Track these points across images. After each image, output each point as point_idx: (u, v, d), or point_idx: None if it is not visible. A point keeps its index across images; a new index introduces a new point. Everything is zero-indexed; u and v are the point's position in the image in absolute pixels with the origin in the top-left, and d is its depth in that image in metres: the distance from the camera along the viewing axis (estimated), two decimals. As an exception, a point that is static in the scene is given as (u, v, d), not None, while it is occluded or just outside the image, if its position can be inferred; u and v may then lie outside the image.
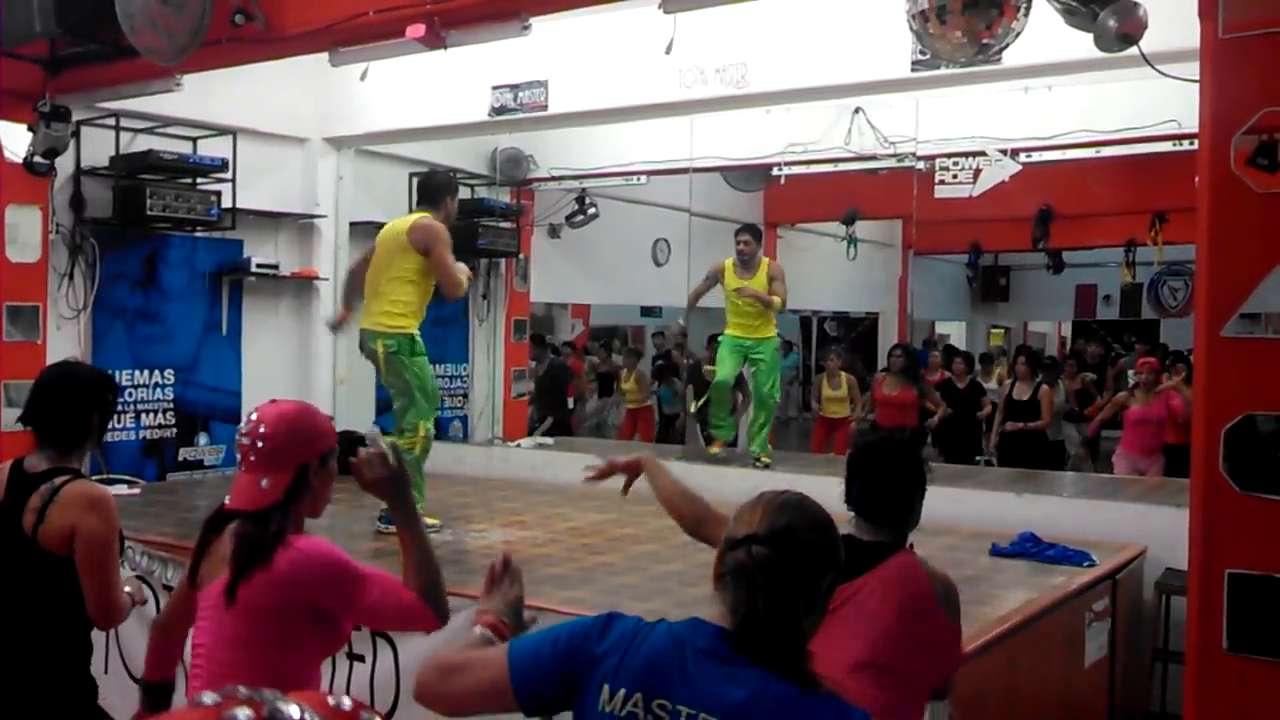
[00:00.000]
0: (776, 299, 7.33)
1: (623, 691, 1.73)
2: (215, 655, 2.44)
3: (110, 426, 6.64)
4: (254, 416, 2.53)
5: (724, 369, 7.53)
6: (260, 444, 2.48)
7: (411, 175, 8.30)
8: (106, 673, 5.14)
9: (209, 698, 0.81)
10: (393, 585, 2.49)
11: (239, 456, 2.53)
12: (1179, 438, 7.66)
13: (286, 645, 2.44)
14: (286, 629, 2.43)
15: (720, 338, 7.71)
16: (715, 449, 7.72)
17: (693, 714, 1.68)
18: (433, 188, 5.82)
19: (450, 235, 5.57)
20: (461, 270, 5.60)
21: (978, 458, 9.30)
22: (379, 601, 2.46)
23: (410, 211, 8.14)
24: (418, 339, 5.55)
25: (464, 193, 8.75)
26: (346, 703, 0.86)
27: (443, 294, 5.60)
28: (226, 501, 2.53)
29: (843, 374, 10.11)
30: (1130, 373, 9.43)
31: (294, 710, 0.80)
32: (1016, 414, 9.11)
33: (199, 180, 6.91)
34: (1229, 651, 3.03)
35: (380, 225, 7.93)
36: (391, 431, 5.60)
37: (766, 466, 7.14)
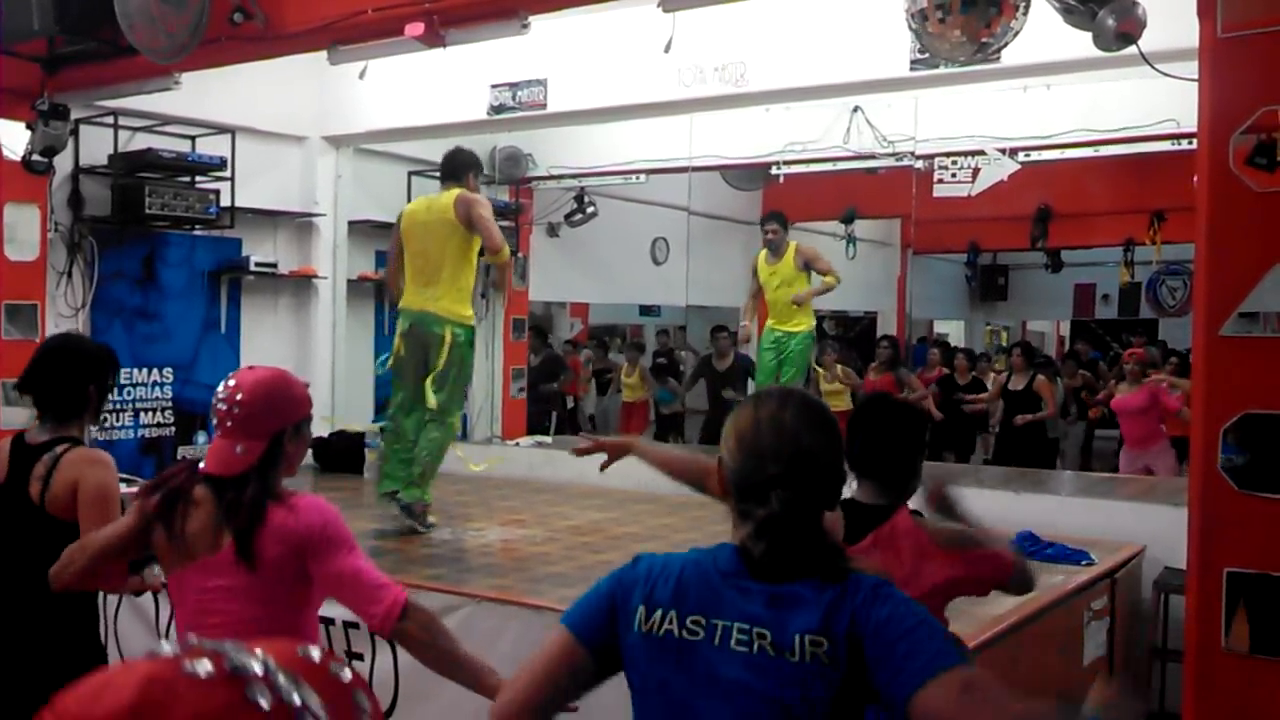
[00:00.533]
0: (829, 279, 7.60)
1: (659, 611, 1.78)
2: (244, 615, 2.46)
3: (109, 425, 6.70)
4: (231, 383, 2.56)
5: (762, 374, 7.75)
6: (237, 410, 2.51)
7: (410, 174, 8.30)
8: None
9: (168, 647, 0.80)
10: (370, 567, 2.49)
11: (215, 421, 2.57)
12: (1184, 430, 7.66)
13: (294, 599, 2.50)
14: (291, 582, 2.47)
15: (762, 334, 7.85)
16: None
17: (727, 626, 1.74)
18: (456, 164, 5.73)
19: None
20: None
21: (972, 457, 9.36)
22: (354, 567, 2.46)
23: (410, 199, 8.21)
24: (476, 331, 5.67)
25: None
26: (315, 654, 0.85)
27: (486, 256, 5.57)
28: (201, 465, 2.57)
29: (839, 365, 10.10)
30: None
31: (256, 664, 0.79)
32: (1013, 404, 9.14)
33: (198, 179, 6.91)
34: (1228, 650, 3.03)
35: (379, 224, 8.03)
36: (408, 418, 5.57)
37: None
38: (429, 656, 2.51)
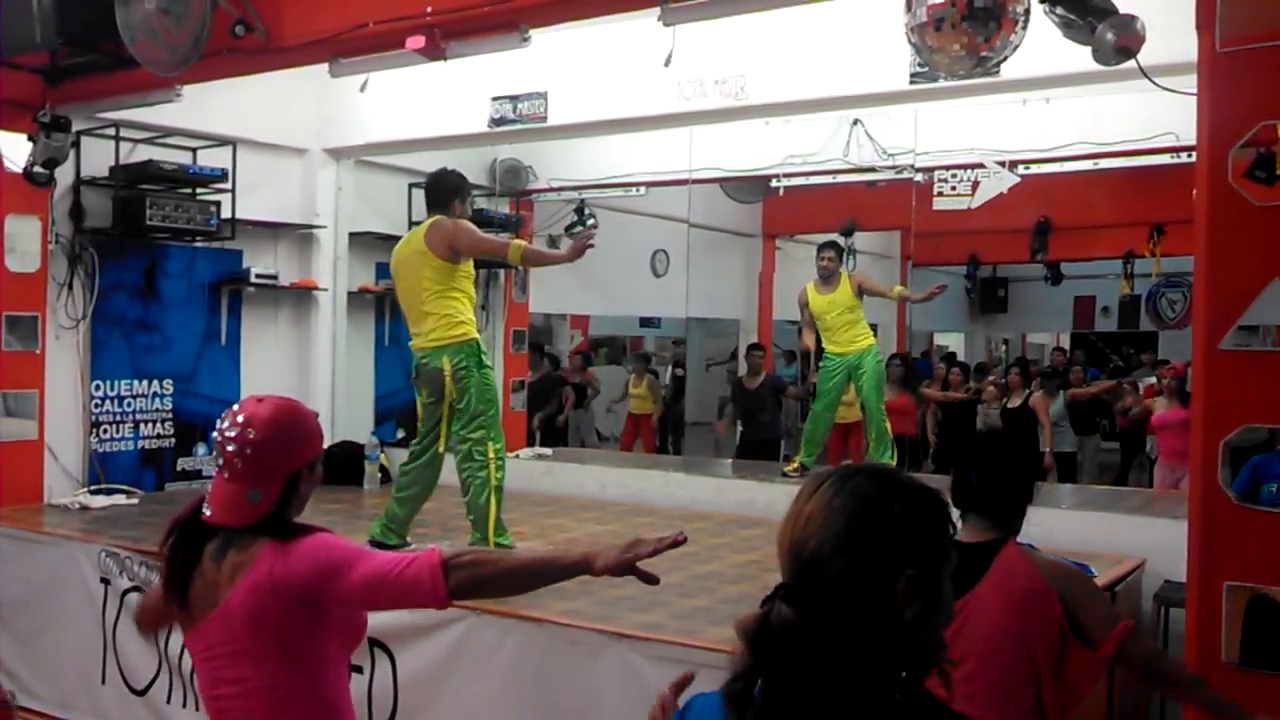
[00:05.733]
0: (896, 288, 7.81)
1: None
2: (257, 682, 2.30)
3: (109, 437, 6.70)
4: (240, 418, 2.30)
5: (824, 398, 7.57)
6: (249, 451, 2.28)
7: (411, 186, 8.32)
8: (104, 683, 5.13)
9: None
10: (387, 556, 2.26)
11: (220, 461, 2.33)
12: None
13: (305, 654, 2.31)
14: (299, 636, 2.29)
15: (822, 360, 7.67)
16: (790, 468, 7.42)
17: None
18: (438, 188, 5.33)
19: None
20: (578, 237, 5.35)
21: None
22: (371, 568, 2.22)
23: (410, 221, 8.24)
24: (483, 348, 5.21)
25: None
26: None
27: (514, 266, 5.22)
28: (206, 512, 2.34)
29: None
30: (1155, 379, 9.49)
31: None
32: (1009, 423, 9.18)
33: (199, 190, 6.93)
34: (1227, 664, 3.03)
35: (380, 236, 8.06)
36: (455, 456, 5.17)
37: None
38: (495, 588, 2.25)
